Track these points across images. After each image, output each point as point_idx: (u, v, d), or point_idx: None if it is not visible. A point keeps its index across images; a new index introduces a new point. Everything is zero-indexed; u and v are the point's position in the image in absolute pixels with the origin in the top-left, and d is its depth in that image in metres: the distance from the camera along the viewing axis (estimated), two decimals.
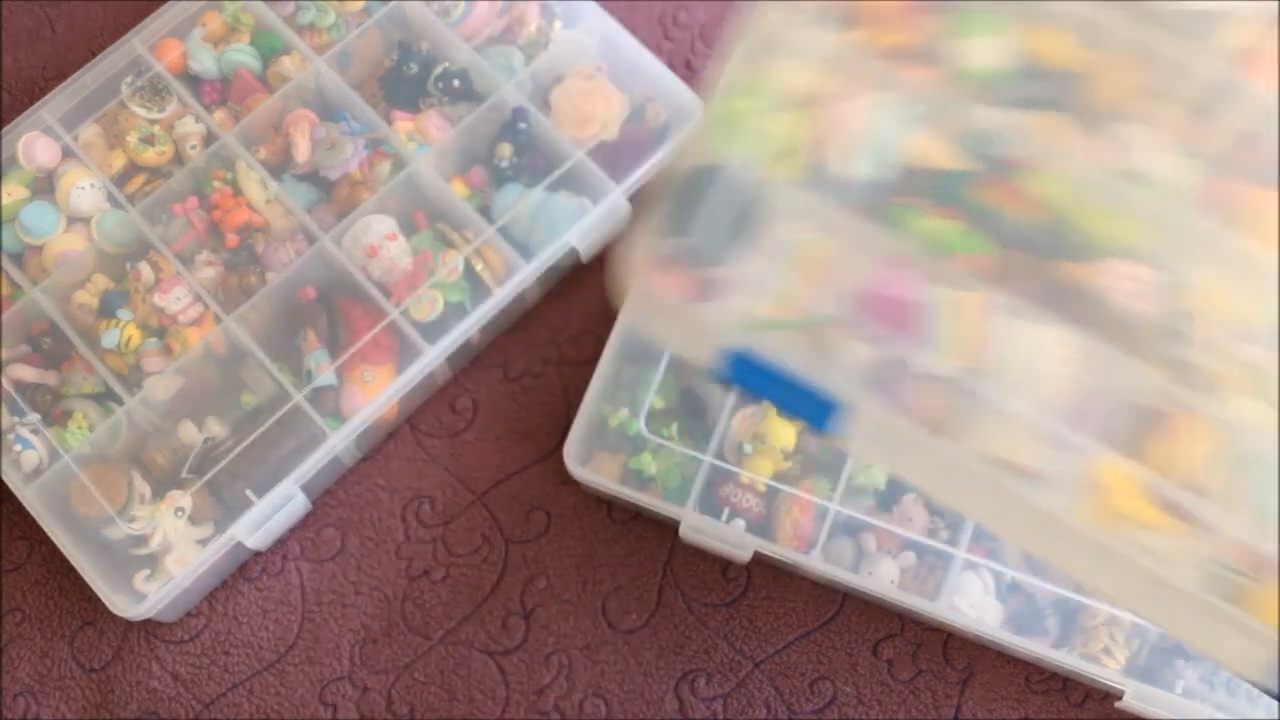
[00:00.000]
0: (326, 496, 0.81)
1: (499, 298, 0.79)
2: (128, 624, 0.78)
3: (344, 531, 0.81)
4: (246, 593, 0.79)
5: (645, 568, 0.79)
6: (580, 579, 0.79)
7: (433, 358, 0.78)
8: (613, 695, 0.76)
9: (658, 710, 0.76)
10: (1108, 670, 0.71)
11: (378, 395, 0.77)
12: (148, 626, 0.78)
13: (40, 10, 0.96)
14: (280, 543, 0.80)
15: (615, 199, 0.82)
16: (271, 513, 0.76)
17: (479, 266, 0.80)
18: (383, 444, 0.83)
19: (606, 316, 0.84)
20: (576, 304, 0.86)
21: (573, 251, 0.82)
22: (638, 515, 0.80)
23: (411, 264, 0.80)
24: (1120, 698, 0.71)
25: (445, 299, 0.80)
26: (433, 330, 0.79)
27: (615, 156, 0.83)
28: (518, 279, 0.80)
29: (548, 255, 0.80)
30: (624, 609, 0.78)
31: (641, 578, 0.79)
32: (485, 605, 0.79)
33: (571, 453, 0.76)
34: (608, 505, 0.81)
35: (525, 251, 0.81)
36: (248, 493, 0.75)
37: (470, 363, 0.84)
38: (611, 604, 0.78)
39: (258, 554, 0.80)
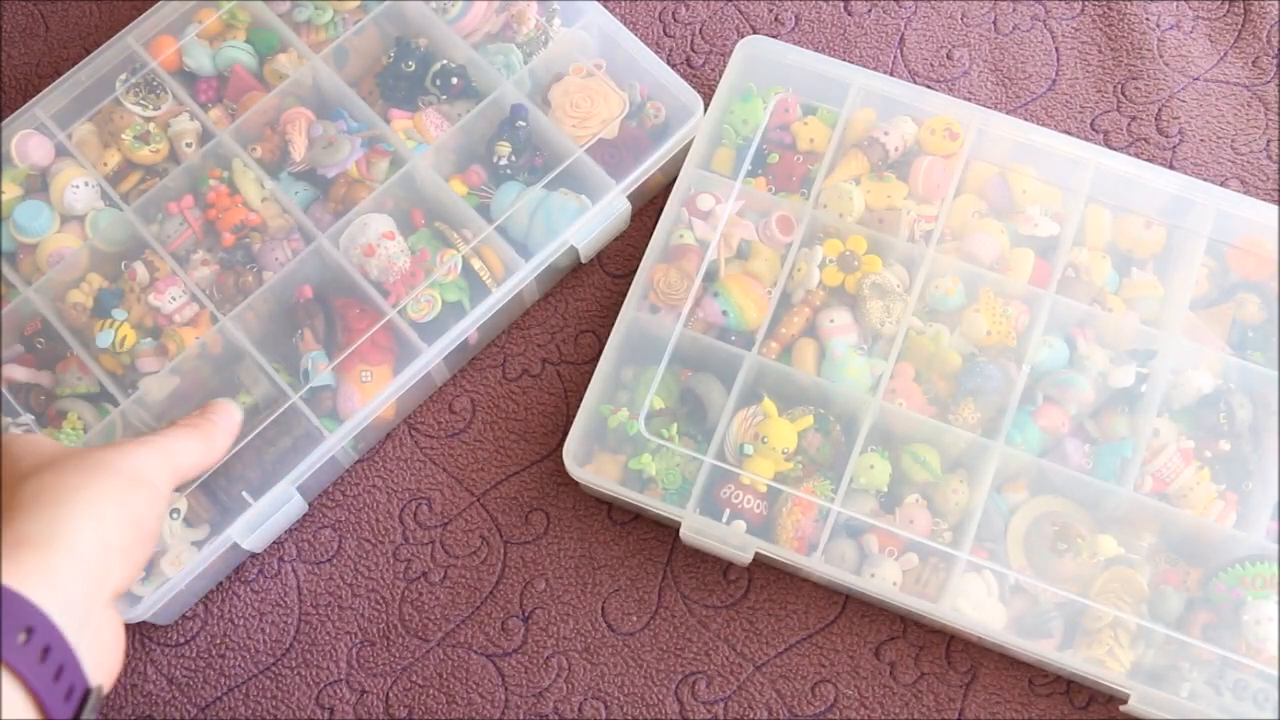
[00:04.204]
0: (323, 498, 0.81)
1: (497, 297, 0.79)
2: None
3: (341, 533, 0.80)
4: (243, 595, 0.79)
5: (645, 569, 0.78)
6: (580, 581, 0.78)
7: (431, 358, 0.78)
8: (612, 698, 0.76)
9: (658, 713, 0.75)
10: (1112, 673, 0.70)
11: (375, 395, 0.77)
12: (142, 629, 0.78)
13: (34, 7, 0.96)
14: (277, 544, 0.80)
15: (614, 197, 0.81)
16: (268, 514, 0.75)
17: (477, 265, 0.79)
18: (380, 445, 0.82)
19: (606, 316, 0.84)
20: (576, 303, 0.85)
21: (572, 250, 0.82)
22: (638, 516, 0.80)
23: (409, 263, 0.79)
24: (1125, 701, 0.71)
25: (443, 298, 0.79)
26: (430, 330, 0.78)
27: (615, 154, 0.83)
28: (516, 278, 0.79)
29: (547, 254, 0.80)
30: (624, 611, 0.78)
31: (642, 579, 0.78)
32: (484, 607, 0.78)
33: (571, 453, 0.75)
34: (607, 506, 0.80)
35: (524, 250, 0.80)
36: (244, 494, 0.75)
37: (468, 363, 0.84)
38: (611, 606, 0.78)
39: (254, 556, 0.79)
